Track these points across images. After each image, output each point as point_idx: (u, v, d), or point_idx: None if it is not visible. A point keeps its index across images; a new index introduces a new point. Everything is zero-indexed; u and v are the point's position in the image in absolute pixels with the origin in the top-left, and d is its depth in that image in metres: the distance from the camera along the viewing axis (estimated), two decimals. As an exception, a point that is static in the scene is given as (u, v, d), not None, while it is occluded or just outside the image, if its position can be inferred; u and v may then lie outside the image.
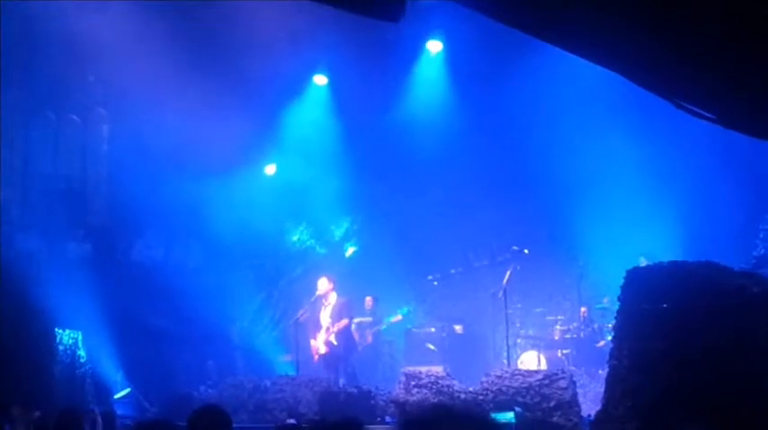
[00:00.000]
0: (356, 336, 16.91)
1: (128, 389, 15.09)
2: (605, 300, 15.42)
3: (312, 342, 16.28)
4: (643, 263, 14.21)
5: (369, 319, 17.35)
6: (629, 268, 8.95)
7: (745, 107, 4.55)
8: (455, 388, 12.20)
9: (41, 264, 14.55)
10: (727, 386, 7.65)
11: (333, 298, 16.25)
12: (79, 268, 15.54)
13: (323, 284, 16.35)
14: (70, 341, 12.95)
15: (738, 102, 4.51)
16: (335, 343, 16.03)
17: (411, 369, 12.82)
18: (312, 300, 16.53)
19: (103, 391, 14.01)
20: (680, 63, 4.29)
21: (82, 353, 13.18)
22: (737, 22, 3.89)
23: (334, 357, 16.07)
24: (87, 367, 13.32)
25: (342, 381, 15.16)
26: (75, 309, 13.33)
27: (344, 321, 16.17)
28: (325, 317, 16.20)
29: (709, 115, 4.53)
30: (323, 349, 16.08)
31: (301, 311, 16.48)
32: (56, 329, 12.73)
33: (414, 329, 17.99)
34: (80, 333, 13.20)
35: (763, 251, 14.76)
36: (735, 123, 4.74)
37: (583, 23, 4.17)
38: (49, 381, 12.26)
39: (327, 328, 16.07)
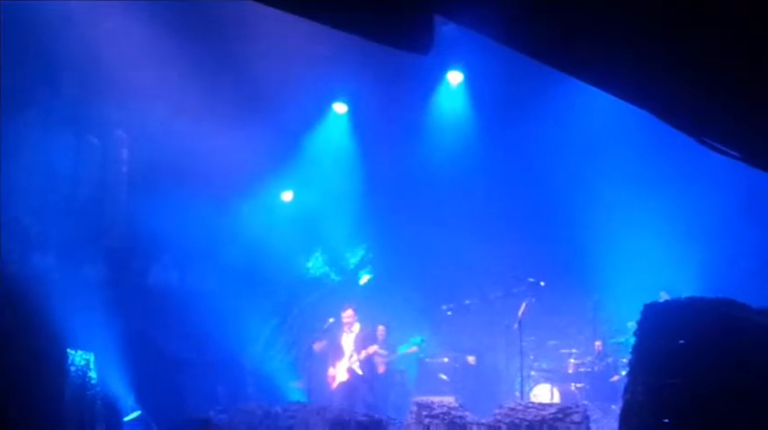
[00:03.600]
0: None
1: (138, 412, 15.04)
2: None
3: (331, 369, 16.27)
4: (664, 297, 14.19)
5: (385, 352, 17.29)
6: (645, 303, 8.88)
7: (771, 145, 4.52)
8: (467, 419, 12.12)
9: (56, 285, 14.54)
10: (743, 425, 7.56)
11: (356, 327, 16.29)
12: (94, 289, 15.55)
13: (349, 315, 16.40)
14: (82, 362, 12.91)
15: (764, 140, 4.48)
16: (360, 371, 16.00)
17: (423, 398, 12.76)
18: (325, 327, 16.54)
19: (114, 414, 13.97)
20: (706, 99, 4.26)
21: (93, 374, 13.13)
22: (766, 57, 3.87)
23: (355, 385, 16.04)
24: (98, 389, 13.28)
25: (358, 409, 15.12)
26: (88, 331, 13.33)
27: (373, 347, 16.18)
28: (348, 344, 16.19)
29: (733, 153, 4.50)
30: (344, 376, 16.05)
31: (318, 344, 16.52)
32: (68, 350, 12.72)
33: (427, 359, 17.92)
34: (92, 354, 13.17)
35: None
36: (760, 162, 4.70)
37: (605, 56, 4.15)
38: (59, 402, 12.22)
39: (351, 356, 16.05)
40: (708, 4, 3.75)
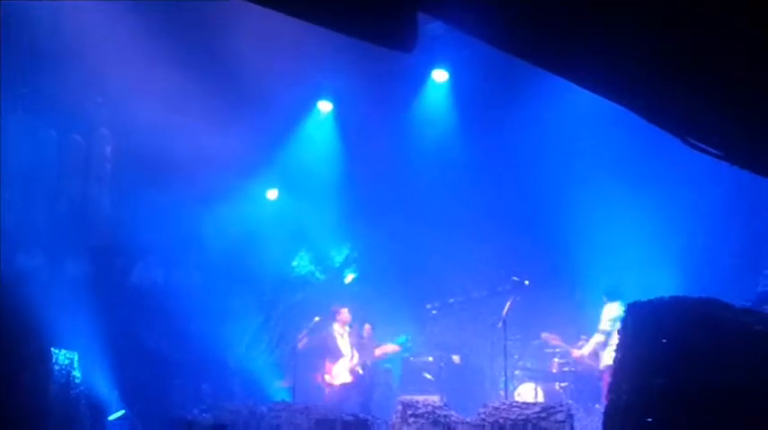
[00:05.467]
0: None
1: (122, 411, 15.01)
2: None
3: (331, 370, 16.30)
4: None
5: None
6: (628, 302, 8.90)
7: (753, 145, 4.53)
8: (452, 418, 12.12)
9: (40, 284, 14.50)
10: (727, 423, 7.58)
11: (348, 327, 16.48)
12: (78, 288, 15.50)
13: (346, 312, 16.57)
14: (66, 361, 12.86)
15: (746, 139, 4.50)
16: (362, 372, 16.15)
17: (408, 398, 12.75)
18: (310, 325, 16.55)
19: (98, 413, 13.92)
20: (688, 98, 4.28)
21: (77, 373, 13.09)
22: (749, 57, 3.88)
23: (356, 386, 16.16)
24: (82, 388, 13.24)
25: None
26: (72, 330, 13.28)
27: (392, 347, 16.46)
28: (345, 344, 16.28)
29: (715, 152, 4.52)
30: (348, 378, 16.14)
31: (301, 335, 16.51)
32: (52, 349, 12.66)
33: (411, 358, 17.91)
34: (76, 353, 13.13)
35: (766, 288, 14.69)
36: (741, 161, 4.72)
37: (589, 56, 4.17)
38: (43, 401, 12.17)
39: (352, 357, 16.18)
40: (693, 5, 3.77)
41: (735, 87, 4.11)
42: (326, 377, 16.50)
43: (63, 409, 12.67)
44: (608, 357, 14.25)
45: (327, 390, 16.44)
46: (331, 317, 16.89)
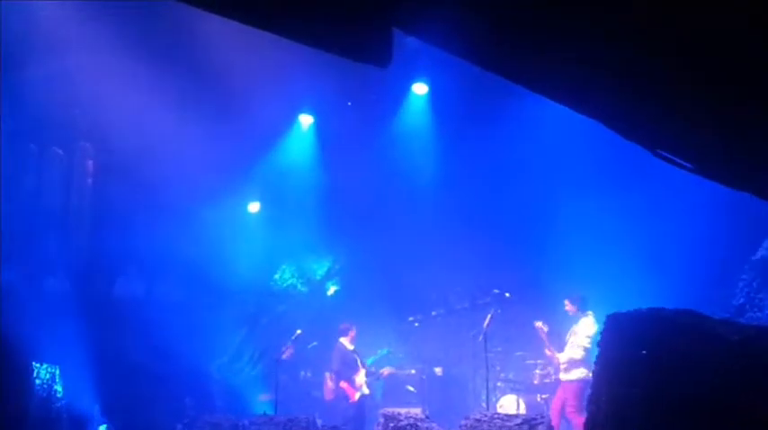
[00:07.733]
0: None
1: (104, 426, 14.96)
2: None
3: (347, 383, 16.30)
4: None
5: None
6: (608, 313, 8.94)
7: (724, 158, 4.58)
8: (434, 430, 12.16)
9: (21, 298, 14.44)
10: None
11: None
12: (59, 302, 15.46)
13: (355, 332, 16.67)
14: (47, 375, 12.85)
15: (716, 152, 4.55)
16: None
17: (390, 410, 12.76)
18: (293, 338, 16.51)
19: (80, 427, 13.88)
20: (657, 112, 4.33)
21: (59, 388, 13.08)
22: (717, 71, 3.94)
23: (368, 399, 16.30)
24: (64, 402, 13.21)
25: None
26: (53, 344, 13.25)
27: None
28: (357, 359, 16.40)
29: (687, 164, 4.57)
30: (366, 390, 16.25)
31: (286, 351, 16.46)
32: (33, 363, 12.63)
33: (393, 370, 17.94)
34: (58, 367, 13.11)
35: (742, 300, 14.77)
36: (712, 173, 4.77)
37: (562, 71, 4.21)
38: (24, 416, 12.13)
39: (365, 372, 16.29)
40: (660, 15, 3.82)
41: (704, 99, 4.16)
42: (349, 386, 16.45)
43: (44, 424, 12.64)
44: (571, 373, 14.29)
45: (351, 401, 16.35)
46: (341, 333, 16.72)
